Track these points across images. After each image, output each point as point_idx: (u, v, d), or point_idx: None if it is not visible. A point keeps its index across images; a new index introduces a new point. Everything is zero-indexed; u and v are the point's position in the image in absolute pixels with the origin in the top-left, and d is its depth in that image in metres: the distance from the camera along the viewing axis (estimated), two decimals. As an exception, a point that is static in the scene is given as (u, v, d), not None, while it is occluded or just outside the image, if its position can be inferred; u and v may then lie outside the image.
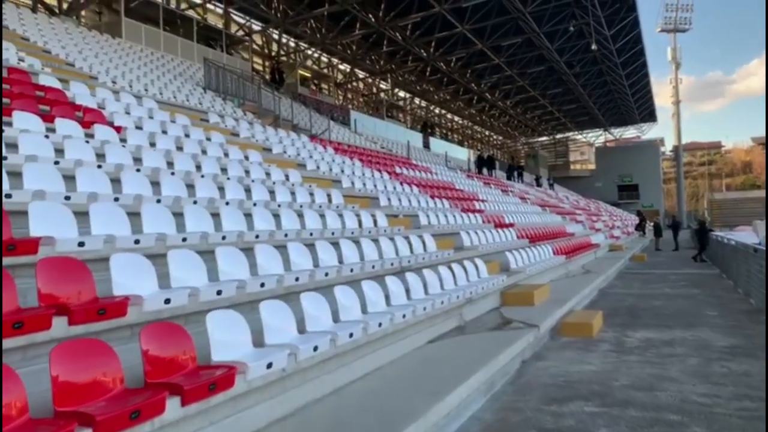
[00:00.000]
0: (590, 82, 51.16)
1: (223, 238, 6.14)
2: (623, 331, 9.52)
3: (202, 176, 8.31)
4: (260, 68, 37.78)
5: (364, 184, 13.66)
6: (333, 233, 8.19)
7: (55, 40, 17.50)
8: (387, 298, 6.51)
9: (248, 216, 7.26)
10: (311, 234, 7.68)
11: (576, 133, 78.51)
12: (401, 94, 53.70)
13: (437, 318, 7.29)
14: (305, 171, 12.83)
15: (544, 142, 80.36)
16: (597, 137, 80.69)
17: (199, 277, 5.01)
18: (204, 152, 10.24)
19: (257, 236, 6.66)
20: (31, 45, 15.98)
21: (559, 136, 79.07)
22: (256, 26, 36.72)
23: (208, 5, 34.59)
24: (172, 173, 7.89)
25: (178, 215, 6.17)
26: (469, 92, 52.10)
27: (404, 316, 5.96)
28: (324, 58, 43.98)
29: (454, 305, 7.68)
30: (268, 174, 10.42)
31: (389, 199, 12.86)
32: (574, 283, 13.33)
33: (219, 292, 4.79)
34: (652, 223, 41.25)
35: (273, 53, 37.60)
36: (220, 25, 34.38)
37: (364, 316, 5.75)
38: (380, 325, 5.48)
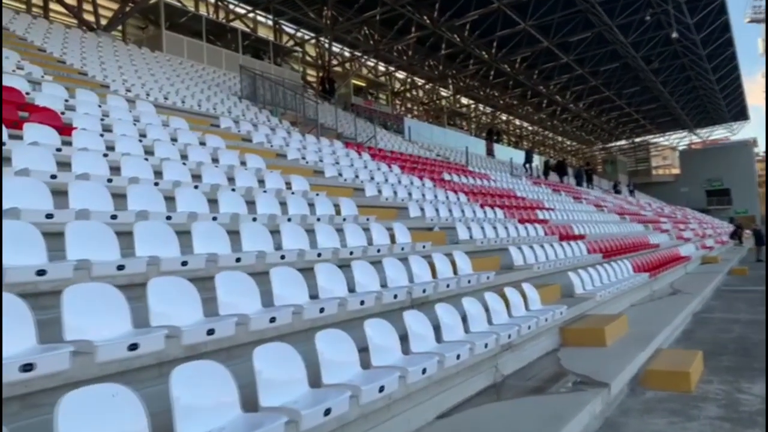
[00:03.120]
0: (671, 78, 46.77)
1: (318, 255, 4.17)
2: (735, 380, 6.87)
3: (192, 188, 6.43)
4: (313, 79, 36.53)
5: (395, 193, 11.51)
6: (319, 254, 6.07)
7: (77, 52, 16.46)
8: (367, 352, 4.31)
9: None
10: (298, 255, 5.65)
11: (657, 135, 73.00)
12: (464, 101, 51.24)
13: (454, 379, 5.01)
14: (322, 178, 10.85)
15: (623, 146, 75.31)
16: (681, 139, 74.87)
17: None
18: (182, 161, 8.41)
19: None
20: (48, 56, 14.99)
21: (638, 139, 73.84)
22: (307, 36, 35.52)
23: (259, 17, 33.76)
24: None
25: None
26: (537, 95, 48.92)
27: (381, 389, 3.73)
28: (381, 67, 42.33)
29: (483, 357, 5.36)
30: (261, 182, 8.48)
31: (422, 209, 10.63)
32: (661, 309, 10.58)
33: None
34: (750, 231, 36.69)
35: (324, 63, 36.23)
36: (271, 36, 33.42)
37: (313, 393, 3.59)
38: (327, 412, 3.28)
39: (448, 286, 6.59)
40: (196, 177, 7.51)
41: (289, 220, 7.00)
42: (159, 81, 17.11)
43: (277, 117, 18.75)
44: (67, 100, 9.32)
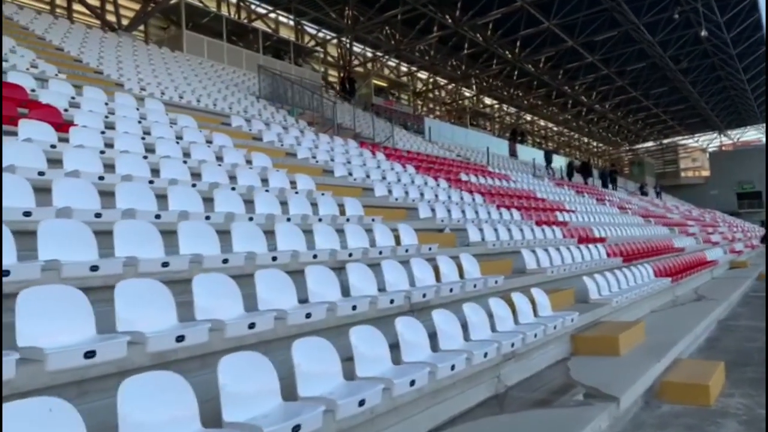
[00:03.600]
0: (701, 78, 45.54)
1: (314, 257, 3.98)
2: (758, 393, 6.45)
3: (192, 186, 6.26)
4: (335, 79, 36.40)
5: (407, 193, 11.23)
6: (315, 256, 5.83)
7: (95, 52, 16.51)
8: (351, 361, 4.04)
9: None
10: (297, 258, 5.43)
11: (686, 136, 71.34)
12: (488, 101, 50.67)
13: (449, 390, 4.71)
14: (331, 177, 10.62)
15: (650, 148, 73.75)
16: (711, 140, 73.02)
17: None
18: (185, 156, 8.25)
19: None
20: (64, 55, 15.05)
21: (666, 140, 72.28)
22: (328, 36, 35.40)
23: (281, 18, 33.76)
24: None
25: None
26: (561, 95, 48.11)
27: (360, 403, 3.47)
28: (404, 68, 42.04)
29: (483, 367, 5.05)
30: (265, 181, 8.27)
31: (433, 210, 10.33)
32: (683, 316, 10.11)
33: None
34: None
35: (345, 63, 36.08)
36: (292, 37, 33.38)
37: (284, 407, 3.34)
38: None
39: (451, 290, 6.29)
40: (196, 175, 7.32)
41: (288, 219, 6.77)
42: (176, 80, 17.09)
43: (294, 117, 18.62)
44: (73, 98, 9.24)
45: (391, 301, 5.38)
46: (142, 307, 3.67)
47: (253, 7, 31.93)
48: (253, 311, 4.34)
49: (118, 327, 3.46)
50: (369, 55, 38.67)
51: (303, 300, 4.90)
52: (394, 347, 4.50)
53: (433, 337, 4.96)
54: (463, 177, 16.57)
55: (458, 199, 12.68)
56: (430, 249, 7.68)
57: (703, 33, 31.63)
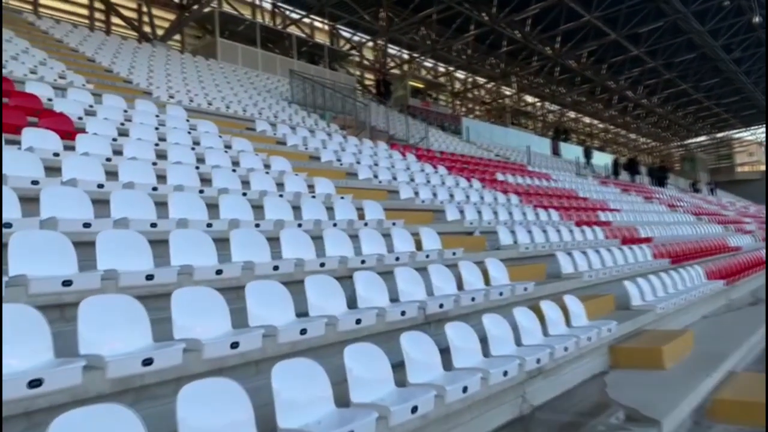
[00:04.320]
0: (755, 67, 43.26)
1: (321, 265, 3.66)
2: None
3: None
4: (371, 82, 36.11)
5: (435, 195, 10.72)
6: (323, 264, 5.41)
7: (126, 62, 16.60)
8: (345, 384, 3.59)
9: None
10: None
11: (741, 129, 68.16)
12: (529, 99, 49.52)
13: (461, 415, 4.19)
14: (354, 180, 10.20)
15: (703, 142, 70.80)
16: (769, 133, 69.58)
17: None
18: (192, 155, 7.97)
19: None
20: (95, 65, 15.16)
21: (720, 134, 69.22)
22: (363, 39, 35.16)
23: (316, 23, 33.72)
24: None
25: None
26: (606, 91, 46.58)
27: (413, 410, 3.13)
28: (441, 68, 41.45)
29: (503, 386, 4.52)
30: (280, 185, 7.92)
31: (462, 212, 9.78)
32: (738, 322, 9.27)
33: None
34: None
35: (381, 66, 35.75)
36: (327, 42, 33.28)
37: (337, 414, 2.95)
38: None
39: (473, 299, 5.77)
40: (206, 181, 7.02)
41: (299, 225, 6.38)
42: (206, 87, 17.02)
43: (326, 120, 18.36)
44: (91, 106, 9.11)
45: (403, 313, 4.91)
46: (198, 314, 3.77)
47: (287, 13, 31.93)
48: (303, 317, 4.38)
49: (175, 334, 3.57)
50: (405, 56, 38.28)
51: (302, 314, 4.49)
52: (399, 367, 4.03)
53: (446, 353, 4.46)
54: (500, 177, 15.93)
55: (491, 200, 12.09)
56: (454, 254, 7.17)
57: (757, 19, 30.01)
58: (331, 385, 3.43)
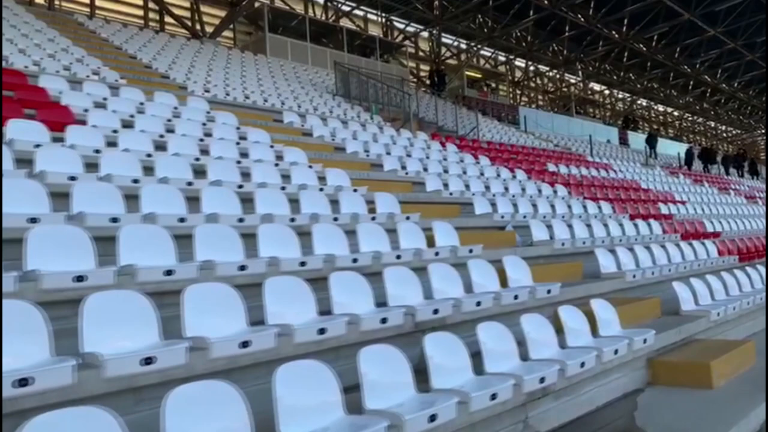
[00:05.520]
0: None
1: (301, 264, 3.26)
2: None
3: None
4: (426, 74, 35.26)
5: (467, 186, 9.90)
6: (303, 263, 4.80)
7: (168, 58, 16.59)
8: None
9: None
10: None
11: (836, 114, 62.67)
12: (596, 87, 47.21)
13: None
14: (379, 172, 9.55)
15: (792, 128, 65.60)
16: None
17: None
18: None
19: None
20: (135, 62, 15.19)
21: (812, 120, 63.90)
22: (417, 29, 34.35)
23: (370, 16, 33.20)
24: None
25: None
26: (680, 76, 43.69)
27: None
28: (501, 57, 40.03)
29: (492, 412, 3.75)
30: (286, 177, 7.36)
31: (494, 205, 8.93)
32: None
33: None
34: None
35: (435, 56, 34.81)
36: (381, 34, 32.71)
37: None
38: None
39: (478, 304, 5.00)
40: (200, 173, 6.55)
41: (292, 220, 5.80)
42: (247, 81, 16.78)
43: (373, 112, 17.80)
44: (105, 99, 8.85)
45: (384, 321, 4.22)
46: (287, 302, 4.06)
47: (339, 6, 31.54)
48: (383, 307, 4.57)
49: (269, 320, 3.89)
50: (463, 46, 37.18)
51: (257, 322, 3.89)
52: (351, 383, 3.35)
53: (422, 373, 3.74)
54: (551, 168, 14.85)
55: (534, 191, 11.14)
56: (470, 251, 6.40)
57: None
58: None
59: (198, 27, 23.78)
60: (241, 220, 5.43)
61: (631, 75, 43.37)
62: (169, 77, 14.42)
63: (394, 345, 3.73)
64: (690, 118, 58.37)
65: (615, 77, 43.57)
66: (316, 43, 26.97)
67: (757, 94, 50.26)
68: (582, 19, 32.38)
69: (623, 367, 5.20)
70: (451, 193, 9.20)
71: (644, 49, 37.37)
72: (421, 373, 3.74)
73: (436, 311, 4.64)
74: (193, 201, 5.51)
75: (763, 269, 9.45)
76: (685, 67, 41.30)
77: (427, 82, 32.02)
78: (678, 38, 35.73)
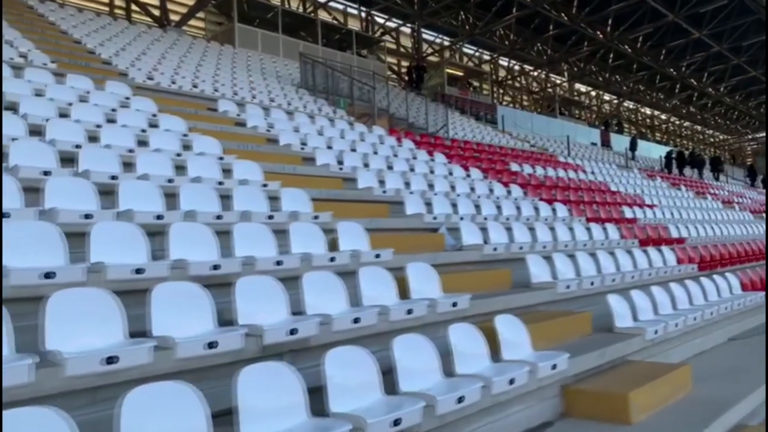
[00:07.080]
0: (837, 50, 39.02)
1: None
2: None
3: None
4: (405, 70, 34.53)
5: (407, 184, 9.13)
6: (137, 270, 4.01)
7: (116, 46, 15.72)
8: None
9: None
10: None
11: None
12: (582, 88, 46.64)
13: None
14: (310, 167, 8.77)
15: (779, 135, 65.29)
16: None
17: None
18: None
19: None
20: (78, 47, 14.33)
21: (799, 126, 63.65)
22: (398, 25, 33.60)
23: (350, 9, 32.40)
24: None
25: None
26: (666, 79, 43.17)
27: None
28: (486, 56, 39.33)
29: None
30: (181, 168, 6.56)
31: (429, 206, 8.17)
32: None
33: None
34: None
35: (415, 52, 34.07)
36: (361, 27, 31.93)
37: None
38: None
39: (356, 321, 4.24)
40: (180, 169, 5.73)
41: (176, 215, 5.01)
42: (202, 71, 15.93)
43: (342, 107, 17.07)
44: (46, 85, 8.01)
45: (208, 346, 3.44)
46: (260, 302, 4.06)
47: (316, -3, 30.77)
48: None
49: (240, 320, 3.85)
50: (446, 44, 36.44)
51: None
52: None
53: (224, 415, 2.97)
54: (513, 167, 14.10)
55: (485, 191, 10.39)
56: (377, 257, 5.63)
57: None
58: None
59: (163, 15, 22.86)
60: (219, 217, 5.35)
61: (616, 76, 42.83)
62: (111, 63, 13.58)
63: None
64: (677, 122, 57.95)
65: (601, 78, 43.00)
66: (291, 35, 26.15)
67: (743, 99, 49.83)
68: (566, 18, 31.75)
69: (528, 396, 4.44)
70: (384, 191, 8.41)
71: (629, 50, 36.82)
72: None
73: (293, 331, 3.85)
74: (170, 198, 5.44)
75: (725, 279, 8.76)
76: (671, 69, 40.78)
77: (406, 78, 31.27)
78: (663, 40, 35.18)
